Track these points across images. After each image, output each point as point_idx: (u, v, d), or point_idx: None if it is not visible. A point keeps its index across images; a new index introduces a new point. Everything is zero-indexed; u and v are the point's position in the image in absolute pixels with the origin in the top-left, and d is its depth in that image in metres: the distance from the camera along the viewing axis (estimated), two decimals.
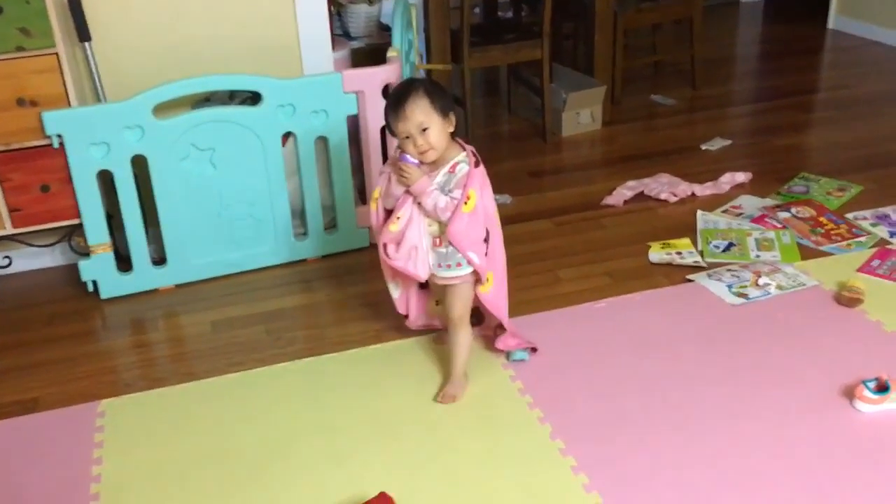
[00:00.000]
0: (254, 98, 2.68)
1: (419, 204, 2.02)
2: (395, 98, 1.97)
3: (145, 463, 1.99)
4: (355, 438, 2.04)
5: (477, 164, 2.03)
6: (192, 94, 2.63)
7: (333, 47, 3.07)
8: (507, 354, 2.31)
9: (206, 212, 2.68)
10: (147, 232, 2.68)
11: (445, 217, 2.01)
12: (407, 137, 1.96)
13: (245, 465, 1.97)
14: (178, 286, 2.74)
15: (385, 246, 2.08)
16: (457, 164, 2.01)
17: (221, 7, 2.82)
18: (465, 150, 2.03)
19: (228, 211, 2.71)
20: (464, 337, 2.15)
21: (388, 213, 2.10)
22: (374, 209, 2.13)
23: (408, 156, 1.97)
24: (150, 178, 2.58)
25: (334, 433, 2.06)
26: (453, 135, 2.03)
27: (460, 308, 2.13)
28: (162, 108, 2.54)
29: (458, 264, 2.07)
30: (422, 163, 1.99)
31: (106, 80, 2.71)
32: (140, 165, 2.57)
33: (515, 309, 2.52)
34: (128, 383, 2.29)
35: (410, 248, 2.06)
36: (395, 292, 2.26)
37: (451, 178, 2.01)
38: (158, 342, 2.51)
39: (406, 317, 2.33)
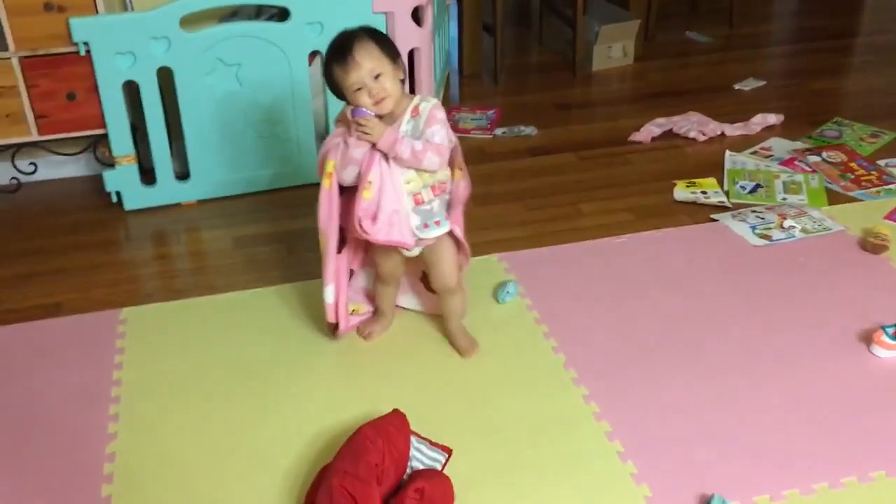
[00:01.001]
0: (281, 14, 2.64)
1: (388, 160, 1.83)
2: (340, 48, 1.78)
3: (164, 370, 2.03)
4: (370, 355, 2.07)
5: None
6: (220, 6, 2.59)
7: None
8: (497, 294, 2.25)
9: (231, 128, 2.67)
10: (171, 146, 2.68)
11: (432, 161, 1.82)
12: (359, 89, 1.78)
13: (260, 377, 2.01)
14: (201, 202, 2.76)
15: (360, 221, 1.84)
16: (417, 106, 1.85)
17: None
18: (415, 95, 1.89)
19: (253, 128, 2.70)
20: (459, 299, 2.03)
21: (343, 190, 1.90)
22: (328, 186, 1.87)
23: (362, 109, 1.79)
24: (175, 91, 2.57)
25: (349, 350, 2.09)
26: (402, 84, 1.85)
27: (453, 273, 1.98)
28: (189, 21, 2.51)
29: (439, 221, 1.91)
30: (378, 116, 1.81)
31: None
32: (166, 78, 2.56)
33: (535, 241, 2.53)
34: (149, 293, 2.32)
35: (391, 214, 1.85)
36: (331, 296, 1.98)
37: (418, 122, 1.84)
38: (180, 255, 2.54)
39: (336, 326, 2.03)
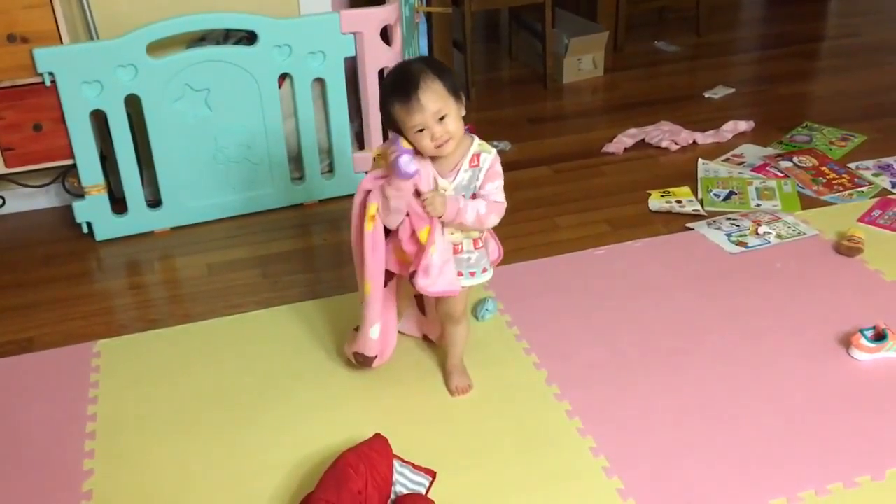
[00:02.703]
0: (249, 38, 2.62)
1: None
2: (403, 84, 1.65)
3: (140, 403, 1.99)
4: (352, 381, 2.04)
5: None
6: (187, 32, 2.57)
7: None
8: (476, 311, 2.24)
9: (202, 154, 2.65)
10: (142, 174, 2.65)
11: (492, 222, 1.75)
12: (421, 130, 1.65)
13: (240, 406, 1.98)
14: (174, 229, 2.72)
15: (415, 276, 1.77)
16: (477, 154, 1.73)
17: None
18: (473, 136, 1.77)
19: (224, 153, 2.67)
20: (463, 330, 1.97)
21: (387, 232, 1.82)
22: (370, 230, 1.77)
23: (405, 154, 1.63)
24: (144, 118, 2.55)
25: (331, 376, 2.06)
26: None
27: (463, 301, 1.92)
28: (156, 47, 2.49)
29: (484, 269, 1.86)
30: (429, 157, 1.71)
31: (98, 17, 2.64)
32: (134, 106, 2.53)
33: (513, 256, 2.52)
34: (123, 324, 2.29)
35: (442, 265, 1.78)
36: (377, 332, 1.91)
37: (476, 173, 1.73)
38: (154, 284, 2.50)
39: (371, 359, 1.96)
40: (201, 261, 2.57)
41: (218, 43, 2.67)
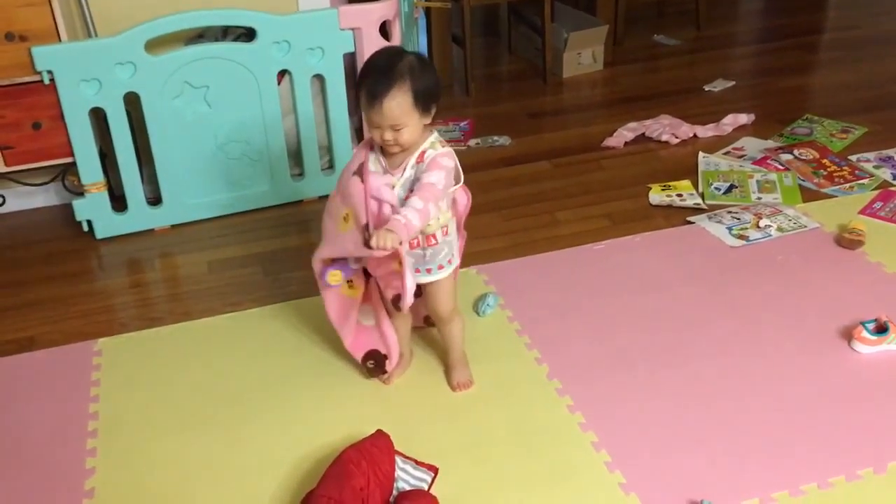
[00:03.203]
0: (248, 34, 2.62)
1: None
2: (374, 83, 1.65)
3: (142, 401, 1.99)
4: (352, 377, 2.04)
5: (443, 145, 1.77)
6: (185, 29, 2.57)
7: None
8: (477, 306, 2.24)
9: (202, 151, 2.65)
10: (142, 171, 2.65)
11: (435, 213, 1.73)
12: (377, 127, 1.68)
13: (241, 403, 1.97)
14: (174, 226, 2.72)
15: (399, 302, 1.76)
16: (423, 151, 1.73)
17: None
18: (433, 131, 1.77)
19: (224, 150, 2.67)
20: (457, 327, 1.96)
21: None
22: (353, 295, 1.86)
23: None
24: (143, 116, 2.54)
25: (331, 373, 2.06)
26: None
27: (448, 303, 1.90)
28: (154, 45, 2.48)
29: (441, 266, 1.84)
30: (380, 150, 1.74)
31: (96, 15, 2.64)
32: (133, 103, 2.53)
33: (513, 251, 2.52)
34: (124, 323, 2.29)
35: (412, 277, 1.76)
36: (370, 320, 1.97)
37: (419, 169, 1.73)
38: (154, 282, 2.50)
39: (385, 358, 1.97)
40: (201, 258, 2.57)
41: (216, 39, 2.67)
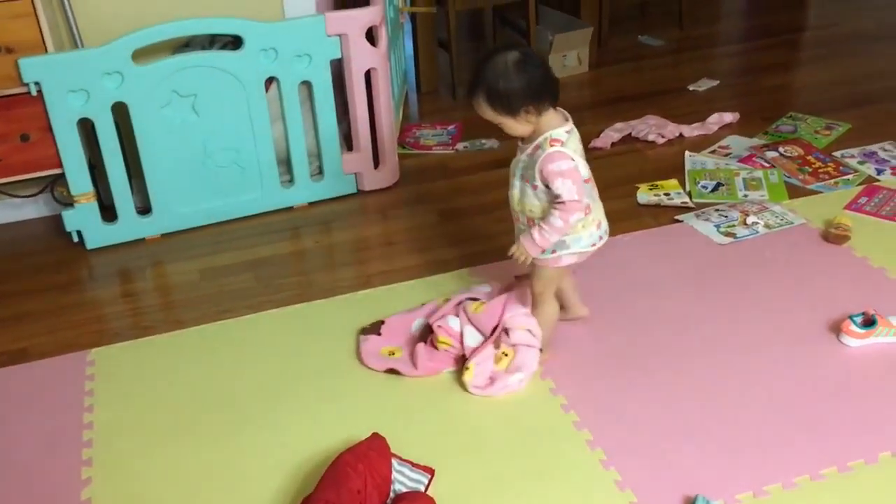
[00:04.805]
0: (235, 42, 2.62)
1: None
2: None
3: (137, 410, 2.00)
4: (346, 382, 2.05)
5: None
6: (172, 38, 2.57)
7: None
8: None
9: (191, 159, 2.65)
10: (131, 181, 2.65)
11: (570, 219, 1.84)
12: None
13: (236, 410, 1.98)
14: (165, 235, 2.72)
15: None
16: (538, 146, 1.83)
17: None
18: (566, 121, 1.86)
19: (213, 158, 2.67)
20: (545, 314, 2.05)
21: None
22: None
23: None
24: (131, 125, 2.54)
25: (325, 377, 2.07)
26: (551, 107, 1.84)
27: (539, 286, 2.02)
28: (141, 54, 2.48)
29: (553, 250, 1.93)
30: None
31: (83, 25, 2.64)
32: (121, 113, 2.53)
33: (503, 252, 2.53)
34: (117, 332, 2.29)
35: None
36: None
37: (531, 163, 1.84)
38: (146, 291, 2.50)
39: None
40: (193, 266, 2.57)
41: (203, 48, 2.67)
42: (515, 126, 1.84)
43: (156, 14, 2.63)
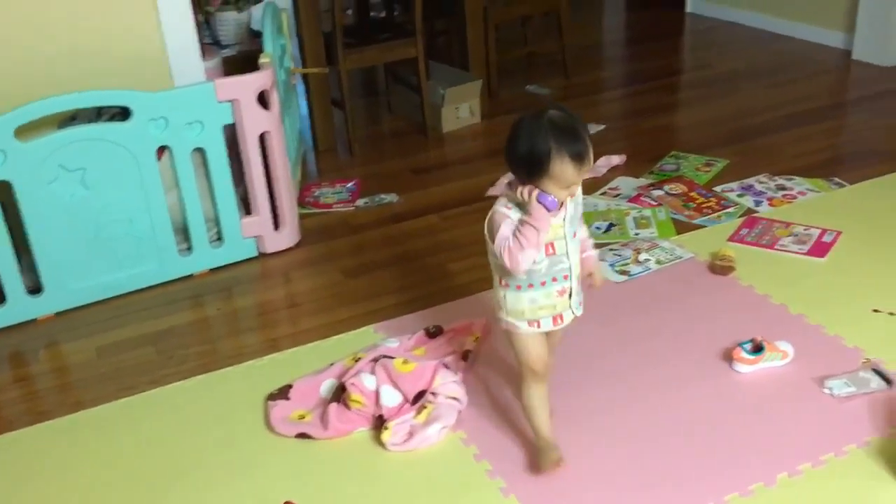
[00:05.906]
0: (123, 113, 2.59)
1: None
2: (578, 143, 1.67)
3: (36, 502, 1.90)
4: (257, 451, 2.01)
5: None
6: (57, 113, 2.52)
7: (204, 56, 3.01)
8: None
9: (82, 234, 2.58)
10: (20, 260, 2.55)
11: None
12: (570, 185, 1.71)
13: (144, 489, 1.91)
14: (59, 314, 2.63)
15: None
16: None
17: (82, 20, 2.72)
18: None
19: (106, 231, 2.61)
20: (523, 396, 1.92)
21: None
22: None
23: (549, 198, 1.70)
24: (17, 204, 2.46)
25: (235, 448, 2.03)
26: None
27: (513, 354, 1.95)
28: (25, 130, 2.42)
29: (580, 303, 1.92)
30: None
31: None
32: (5, 192, 2.45)
33: (410, 306, 2.56)
34: (10, 420, 2.18)
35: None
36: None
37: (576, 202, 1.81)
38: (40, 374, 2.40)
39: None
40: (90, 344, 2.49)
41: (90, 121, 2.63)
42: None
43: (39, 88, 2.57)
